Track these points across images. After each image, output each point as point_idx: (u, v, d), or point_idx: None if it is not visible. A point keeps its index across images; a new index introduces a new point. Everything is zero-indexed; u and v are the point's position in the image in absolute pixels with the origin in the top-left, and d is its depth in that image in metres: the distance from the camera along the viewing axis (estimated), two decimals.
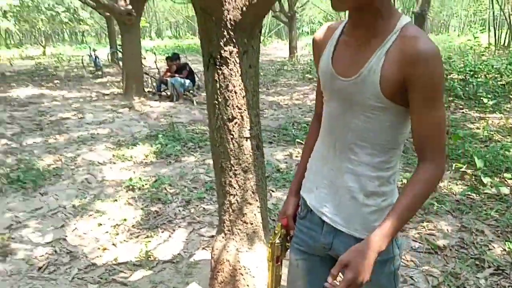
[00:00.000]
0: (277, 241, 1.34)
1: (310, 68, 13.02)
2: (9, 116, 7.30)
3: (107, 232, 3.12)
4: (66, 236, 3.08)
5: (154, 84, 9.79)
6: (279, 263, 1.37)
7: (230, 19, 1.69)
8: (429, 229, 3.05)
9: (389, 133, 1.08)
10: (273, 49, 26.12)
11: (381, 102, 1.03)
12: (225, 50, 1.77)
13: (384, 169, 1.11)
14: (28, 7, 21.43)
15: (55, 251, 2.87)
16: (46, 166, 4.57)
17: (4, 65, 16.78)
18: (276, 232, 1.37)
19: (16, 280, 2.57)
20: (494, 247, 2.78)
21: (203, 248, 2.84)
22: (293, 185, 1.39)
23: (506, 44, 19.54)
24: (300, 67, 14.32)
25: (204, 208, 3.48)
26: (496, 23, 19.71)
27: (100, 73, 13.26)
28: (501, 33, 20.29)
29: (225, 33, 1.73)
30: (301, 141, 5.05)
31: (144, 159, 4.78)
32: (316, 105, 1.38)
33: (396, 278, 1.21)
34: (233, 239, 2.10)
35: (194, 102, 8.44)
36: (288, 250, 1.39)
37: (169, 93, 8.97)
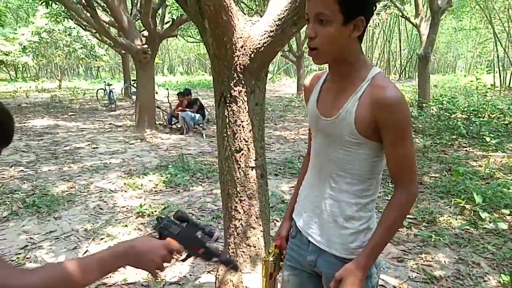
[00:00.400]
0: (271, 259, 1.52)
1: None
2: (25, 145, 7.61)
3: None
4: (78, 257, 3.23)
5: (166, 117, 10.14)
6: (272, 279, 1.54)
7: (239, 64, 1.95)
8: (426, 260, 3.16)
9: (366, 165, 1.26)
10: (282, 85, 26.79)
11: (356, 138, 1.22)
12: (234, 90, 2.02)
13: (362, 197, 1.29)
14: (46, 43, 22.41)
15: None
16: (60, 192, 4.79)
17: (21, 97, 17.41)
18: (270, 251, 1.55)
19: None
20: (489, 279, 2.88)
21: (208, 272, 2.97)
22: (288, 210, 1.58)
23: (511, 85, 19.88)
24: None
25: None
26: (502, 64, 20.15)
27: (113, 106, 13.72)
28: (506, 74, 20.68)
29: (235, 75, 1.98)
30: None
31: (154, 188, 4.97)
32: (309, 142, 1.59)
33: None
34: (237, 260, 2.26)
35: (204, 135, 8.71)
36: (282, 268, 1.56)
37: (179, 126, 9.29)
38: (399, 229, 1.29)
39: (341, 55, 1.21)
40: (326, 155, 1.32)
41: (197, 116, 9.08)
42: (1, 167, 5.91)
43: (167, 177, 5.30)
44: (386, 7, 13.82)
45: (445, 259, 3.18)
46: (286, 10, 1.85)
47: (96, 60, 25.79)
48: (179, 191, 4.87)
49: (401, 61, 33.39)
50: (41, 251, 3.35)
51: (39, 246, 3.44)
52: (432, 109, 9.64)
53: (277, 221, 3.89)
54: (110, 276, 2.94)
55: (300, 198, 1.47)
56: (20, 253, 3.29)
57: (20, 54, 22.89)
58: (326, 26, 1.15)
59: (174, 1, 6.80)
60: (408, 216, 3.97)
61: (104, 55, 26.27)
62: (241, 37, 1.90)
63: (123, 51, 15.08)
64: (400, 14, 11.48)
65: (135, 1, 11.43)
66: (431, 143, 7.34)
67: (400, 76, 31.77)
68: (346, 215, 1.29)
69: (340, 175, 1.29)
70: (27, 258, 3.23)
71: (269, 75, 31.59)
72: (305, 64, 21.04)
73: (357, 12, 1.14)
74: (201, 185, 5.09)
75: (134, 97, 13.05)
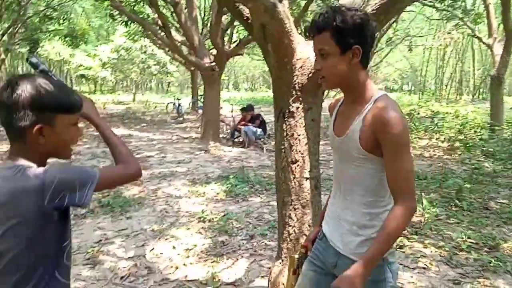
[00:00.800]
0: (296, 256, 1.70)
1: None
2: (102, 151, 8.35)
3: (179, 254, 3.56)
4: (145, 254, 3.57)
5: (229, 131, 10.57)
6: (295, 275, 1.71)
7: (298, 83, 2.15)
8: (484, 285, 3.07)
9: (375, 178, 1.40)
10: None
11: (362, 154, 1.37)
12: (292, 106, 2.21)
13: (374, 207, 1.42)
14: (124, 60, 24.32)
15: (136, 265, 3.36)
16: (132, 195, 5.24)
17: (99, 109, 18.91)
18: (297, 249, 1.71)
19: (102, 285, 3.05)
20: None
21: (262, 277, 3.14)
22: (319, 218, 1.75)
23: None
24: None
25: (265, 243, 3.80)
26: None
27: (181, 119, 14.54)
28: None
29: (294, 93, 2.18)
30: None
31: (215, 196, 5.28)
32: None
33: None
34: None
35: (264, 150, 8.96)
36: None
37: (241, 140, 9.65)
38: (396, 240, 1.37)
39: (346, 80, 1.40)
40: (341, 170, 1.49)
41: (259, 130, 9.38)
42: None
43: (227, 187, 5.58)
44: (457, 26, 13.34)
45: (506, 286, 3.07)
46: None
47: (168, 76, 27.45)
48: (238, 200, 5.12)
49: (474, 82, 31.64)
50: (113, 246, 3.73)
51: (112, 242, 3.83)
52: (506, 132, 9.11)
53: None
54: (173, 273, 3.22)
55: (327, 208, 1.65)
56: (94, 247, 3.69)
57: (100, 69, 25.07)
58: (327, 59, 1.36)
59: None
60: (469, 240, 3.86)
61: (175, 71, 27.86)
62: (300, 59, 2.10)
63: (193, 68, 15.97)
64: (472, 34, 11.05)
65: (206, 22, 12.18)
66: (501, 168, 6.96)
67: (473, 97, 30.07)
68: (359, 223, 1.43)
69: (353, 188, 1.45)
70: (101, 251, 3.61)
71: (332, 92, 31.47)
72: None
73: (351, 42, 1.32)
74: (259, 196, 5.31)
75: (200, 111, 13.75)
